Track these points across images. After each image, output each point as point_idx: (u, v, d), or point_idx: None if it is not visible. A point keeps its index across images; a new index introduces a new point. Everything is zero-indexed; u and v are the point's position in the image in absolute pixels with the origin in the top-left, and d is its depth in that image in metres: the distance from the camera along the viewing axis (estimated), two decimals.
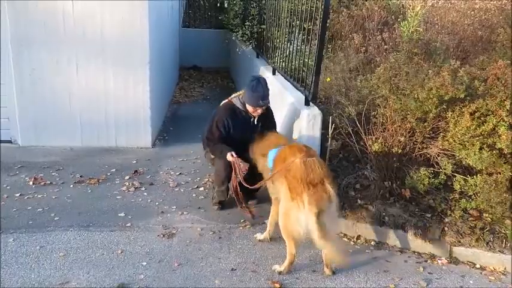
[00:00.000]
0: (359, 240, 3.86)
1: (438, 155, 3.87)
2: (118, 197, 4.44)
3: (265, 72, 5.94)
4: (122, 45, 5.50)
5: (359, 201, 4.03)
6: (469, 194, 3.69)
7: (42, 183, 4.63)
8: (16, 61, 5.42)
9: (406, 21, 4.62)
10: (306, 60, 4.66)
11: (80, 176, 4.84)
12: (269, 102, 4.14)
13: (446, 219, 3.75)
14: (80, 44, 5.44)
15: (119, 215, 4.09)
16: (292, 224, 3.15)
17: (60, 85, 5.55)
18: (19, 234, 3.68)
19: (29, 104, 5.56)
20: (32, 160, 5.22)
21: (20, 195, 4.36)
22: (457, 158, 3.77)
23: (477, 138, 3.63)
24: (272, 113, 4.35)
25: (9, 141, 5.68)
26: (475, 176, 3.64)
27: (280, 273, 3.32)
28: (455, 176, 3.77)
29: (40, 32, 5.35)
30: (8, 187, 4.51)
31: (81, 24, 5.38)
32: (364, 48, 5.28)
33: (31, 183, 4.61)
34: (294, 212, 3.11)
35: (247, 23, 7.41)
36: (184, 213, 4.20)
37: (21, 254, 3.41)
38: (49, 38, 5.39)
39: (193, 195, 4.59)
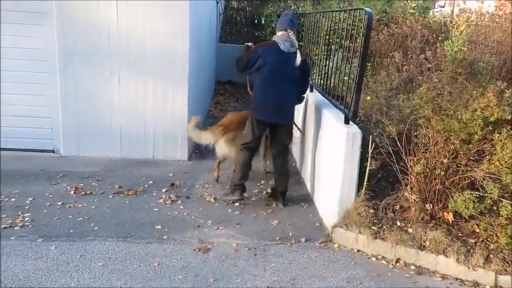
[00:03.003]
0: (398, 264, 3.76)
1: (483, 179, 3.74)
2: (155, 209, 4.51)
3: None
4: (163, 60, 5.64)
5: (398, 223, 3.95)
6: None
7: (83, 193, 4.76)
8: (62, 73, 5.64)
9: (450, 40, 4.54)
10: (346, 78, 4.64)
11: (119, 187, 4.95)
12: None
13: (492, 246, 3.61)
14: (123, 58, 5.63)
15: (156, 227, 4.15)
16: None
17: (102, 98, 5.74)
18: (60, 242, 3.78)
19: (72, 115, 5.76)
20: (73, 170, 5.38)
21: (62, 203, 4.48)
22: (504, 182, 3.64)
23: None
24: None
25: (52, 151, 5.88)
26: None
27: None
28: (502, 201, 3.63)
29: (85, 45, 5.57)
30: (50, 195, 4.65)
31: (125, 38, 5.57)
32: (405, 66, 5.21)
33: (72, 192, 4.75)
34: None
35: None
36: (220, 227, 4.21)
37: (61, 262, 3.49)
38: (94, 51, 5.60)
39: (229, 210, 4.60)
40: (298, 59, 4.53)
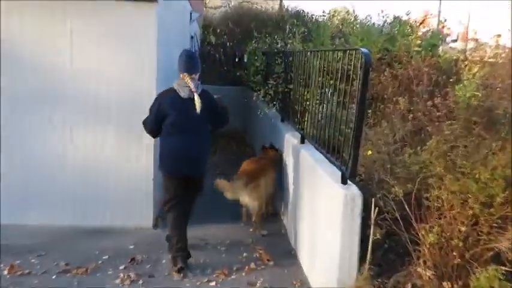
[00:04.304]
0: None
1: (510, 250, 3.69)
2: None
3: (292, 140, 5.95)
4: (125, 109, 5.65)
5: None
6: None
7: (19, 273, 4.57)
8: (4, 124, 5.58)
9: (461, 85, 4.62)
10: (343, 127, 4.63)
11: (66, 264, 4.78)
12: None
13: None
14: (78, 108, 5.63)
15: None
16: None
17: (52, 155, 5.69)
18: None
19: (15, 176, 5.66)
20: (12, 242, 5.18)
21: None
22: None
23: None
24: None
25: None
26: None
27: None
28: None
29: (33, 91, 5.55)
30: None
31: (80, 82, 5.58)
32: (411, 114, 5.27)
33: (6, 272, 4.56)
34: None
35: (270, 82, 7.51)
36: None
37: None
38: (43, 98, 5.58)
39: None
40: (198, 103, 4.76)
